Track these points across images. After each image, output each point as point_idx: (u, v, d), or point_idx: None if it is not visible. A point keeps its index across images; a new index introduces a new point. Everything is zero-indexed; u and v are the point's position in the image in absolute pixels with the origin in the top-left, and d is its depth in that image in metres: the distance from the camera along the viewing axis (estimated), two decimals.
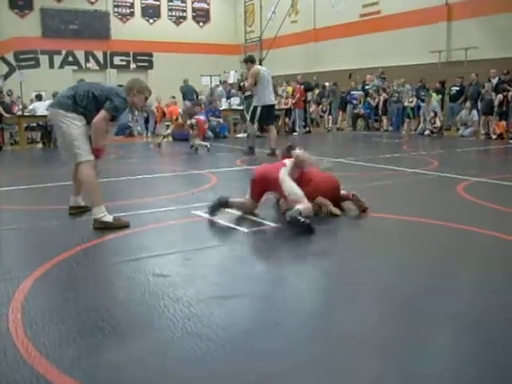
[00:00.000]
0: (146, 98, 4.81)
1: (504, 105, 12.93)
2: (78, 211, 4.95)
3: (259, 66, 10.56)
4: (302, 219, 4.09)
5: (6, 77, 18.31)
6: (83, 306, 2.80)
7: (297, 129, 15.88)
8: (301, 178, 4.71)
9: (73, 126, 4.41)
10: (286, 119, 16.35)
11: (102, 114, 4.37)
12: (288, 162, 4.73)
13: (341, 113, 17.40)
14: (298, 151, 4.84)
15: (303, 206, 4.29)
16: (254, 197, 4.78)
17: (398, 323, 2.53)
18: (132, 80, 4.83)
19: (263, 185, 4.71)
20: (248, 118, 10.32)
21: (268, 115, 9.85)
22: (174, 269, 3.42)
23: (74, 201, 4.99)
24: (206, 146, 10.84)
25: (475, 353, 2.23)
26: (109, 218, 4.38)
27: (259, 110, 9.69)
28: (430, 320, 2.55)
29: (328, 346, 2.30)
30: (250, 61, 10.08)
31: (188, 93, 16.49)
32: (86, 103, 4.43)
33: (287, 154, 4.94)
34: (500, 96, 12.90)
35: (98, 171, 4.70)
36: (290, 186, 4.49)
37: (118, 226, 4.37)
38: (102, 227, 4.32)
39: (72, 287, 3.09)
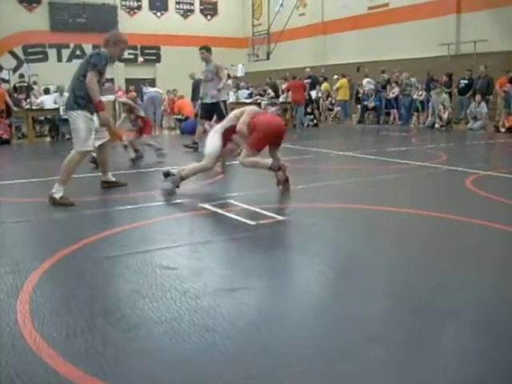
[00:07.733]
0: (123, 50, 5.39)
1: None
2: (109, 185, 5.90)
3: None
4: None
5: (14, 70, 18.37)
6: (90, 298, 2.81)
7: (295, 123, 15.46)
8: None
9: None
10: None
11: (88, 75, 5.00)
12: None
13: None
14: None
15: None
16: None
17: (406, 318, 2.52)
18: (109, 33, 5.45)
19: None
20: None
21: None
22: (181, 261, 3.42)
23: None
24: (157, 149, 8.44)
25: (480, 350, 2.22)
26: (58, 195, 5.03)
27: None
28: (439, 316, 2.54)
29: (334, 339, 2.29)
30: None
31: (196, 88, 16.26)
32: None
33: None
34: None
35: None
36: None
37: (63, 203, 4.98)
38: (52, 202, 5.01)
39: (79, 279, 3.10)
